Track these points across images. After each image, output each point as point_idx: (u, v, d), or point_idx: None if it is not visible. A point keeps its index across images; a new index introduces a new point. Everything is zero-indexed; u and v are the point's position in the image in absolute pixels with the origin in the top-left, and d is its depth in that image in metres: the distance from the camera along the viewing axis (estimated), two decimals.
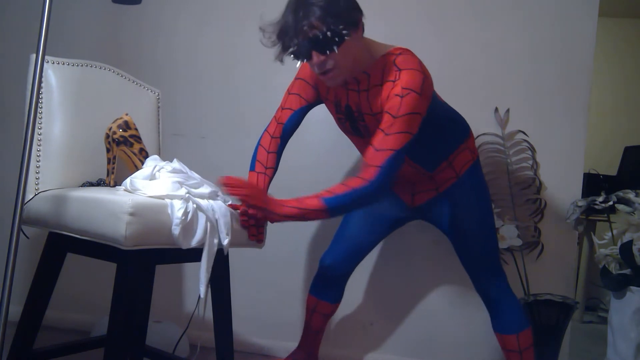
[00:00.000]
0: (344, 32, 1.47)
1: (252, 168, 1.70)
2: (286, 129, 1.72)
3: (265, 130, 1.74)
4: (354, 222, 1.90)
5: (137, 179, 1.40)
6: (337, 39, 1.46)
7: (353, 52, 1.53)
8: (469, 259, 1.80)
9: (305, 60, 1.52)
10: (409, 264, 2.22)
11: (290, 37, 1.48)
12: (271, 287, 2.28)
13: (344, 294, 2.09)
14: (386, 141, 1.48)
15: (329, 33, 1.45)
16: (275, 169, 1.71)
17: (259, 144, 1.73)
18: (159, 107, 1.87)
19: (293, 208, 1.46)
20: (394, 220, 1.90)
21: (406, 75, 1.52)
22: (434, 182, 1.77)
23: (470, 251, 1.78)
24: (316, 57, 1.48)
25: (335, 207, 1.45)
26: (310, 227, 2.25)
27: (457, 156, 1.76)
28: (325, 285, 1.95)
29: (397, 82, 1.52)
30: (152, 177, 1.42)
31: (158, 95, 1.87)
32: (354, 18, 1.52)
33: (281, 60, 1.54)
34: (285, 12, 1.51)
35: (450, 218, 1.77)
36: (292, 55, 1.53)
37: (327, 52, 1.47)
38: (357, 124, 1.67)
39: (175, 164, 1.49)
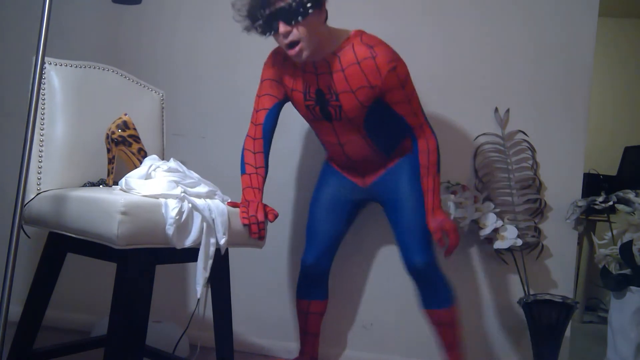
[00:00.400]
0: (309, 5, 1.57)
1: (243, 172, 1.74)
2: (265, 128, 1.78)
3: (247, 135, 1.81)
4: (320, 216, 1.97)
5: (132, 178, 1.40)
6: (301, 10, 1.56)
7: (317, 31, 1.63)
8: (405, 232, 1.86)
9: (271, 33, 1.61)
10: None
11: (258, 9, 1.57)
12: (271, 287, 2.28)
13: (345, 294, 2.09)
14: (412, 105, 1.75)
15: (294, 4, 1.55)
16: (266, 168, 1.76)
17: (243, 148, 1.78)
18: (163, 108, 1.87)
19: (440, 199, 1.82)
20: (352, 203, 1.99)
21: (380, 50, 1.69)
22: (382, 162, 1.92)
23: (408, 224, 1.86)
24: (282, 27, 1.57)
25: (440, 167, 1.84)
26: None
27: (404, 142, 1.91)
28: (312, 285, 2.00)
29: (378, 58, 1.68)
30: (147, 176, 1.42)
31: (162, 95, 1.88)
32: None
33: (248, 31, 1.64)
34: None
35: (393, 192, 1.90)
36: (259, 29, 1.61)
37: (293, 22, 1.57)
38: (327, 107, 1.76)
39: (172, 163, 1.49)
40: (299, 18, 1.56)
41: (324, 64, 1.72)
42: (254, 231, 1.54)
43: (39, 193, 1.49)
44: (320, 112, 1.78)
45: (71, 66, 1.62)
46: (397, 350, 2.21)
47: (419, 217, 1.84)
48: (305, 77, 1.75)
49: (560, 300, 1.97)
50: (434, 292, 1.86)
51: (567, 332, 2.08)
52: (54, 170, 1.54)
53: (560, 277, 2.15)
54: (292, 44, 1.60)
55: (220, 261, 1.50)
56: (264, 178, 1.74)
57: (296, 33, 1.58)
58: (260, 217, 1.55)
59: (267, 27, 1.59)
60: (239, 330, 2.24)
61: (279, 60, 1.78)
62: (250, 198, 1.65)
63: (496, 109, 2.18)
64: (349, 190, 1.97)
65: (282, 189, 2.24)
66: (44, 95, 1.55)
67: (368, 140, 1.83)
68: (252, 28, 1.63)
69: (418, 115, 1.77)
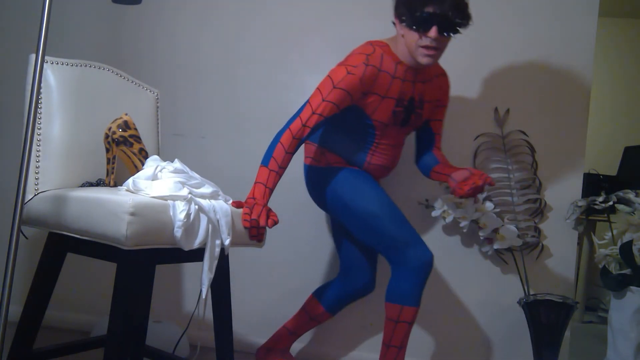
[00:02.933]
0: (464, 26, 1.70)
1: (265, 163, 1.65)
2: (310, 132, 1.70)
3: (288, 128, 1.68)
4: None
5: (140, 179, 1.40)
6: (458, 28, 1.69)
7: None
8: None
9: (416, 29, 1.67)
10: None
11: (422, 4, 1.66)
12: (271, 287, 2.28)
13: None
14: (442, 123, 1.99)
15: (457, 19, 1.67)
16: (285, 169, 1.69)
17: (278, 140, 1.67)
18: (157, 107, 1.87)
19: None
20: None
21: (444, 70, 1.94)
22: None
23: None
24: (435, 32, 1.67)
25: None
26: (309, 227, 2.25)
27: None
28: None
29: (446, 76, 1.94)
30: (154, 177, 1.42)
31: (157, 95, 1.87)
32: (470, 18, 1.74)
33: (397, 17, 1.73)
34: None
35: None
36: (409, 21, 1.68)
37: (445, 33, 1.68)
38: (411, 114, 1.85)
39: (177, 164, 1.49)
40: (452, 33, 1.68)
41: (421, 72, 1.82)
42: (253, 234, 1.54)
43: (37, 193, 1.49)
44: (403, 119, 1.83)
45: (67, 64, 1.62)
46: None
47: None
48: (403, 85, 1.78)
49: (560, 300, 1.97)
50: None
51: (567, 332, 2.08)
52: (51, 170, 1.53)
53: (560, 277, 2.15)
54: (431, 49, 1.69)
55: (221, 261, 1.50)
56: (280, 178, 1.68)
57: (442, 43, 1.71)
58: (262, 222, 1.53)
59: (419, 23, 1.67)
60: (239, 330, 2.24)
61: (373, 71, 1.72)
62: (259, 197, 1.61)
63: (496, 109, 2.18)
64: None
65: (285, 188, 2.24)
66: (40, 94, 1.54)
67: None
68: (402, 15, 1.70)
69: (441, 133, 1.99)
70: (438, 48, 1.70)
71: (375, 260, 2.00)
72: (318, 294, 2.02)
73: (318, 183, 1.89)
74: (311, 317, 2.02)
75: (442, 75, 1.92)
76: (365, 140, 1.85)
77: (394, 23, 1.77)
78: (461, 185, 1.73)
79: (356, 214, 1.78)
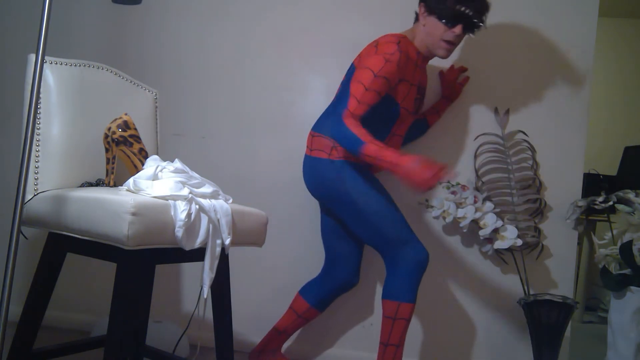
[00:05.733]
0: (480, 28, 1.84)
1: (362, 142, 1.68)
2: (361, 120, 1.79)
3: (349, 116, 1.73)
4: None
5: (141, 179, 1.40)
6: (476, 29, 1.83)
7: None
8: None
9: (446, 24, 1.77)
10: None
11: (465, 2, 1.77)
12: (271, 287, 2.28)
13: (345, 294, 2.09)
14: None
15: (480, 23, 1.81)
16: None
17: (345, 126, 1.71)
18: (156, 107, 1.87)
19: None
20: None
21: None
22: None
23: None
24: (460, 30, 1.79)
25: None
26: (309, 227, 2.25)
27: None
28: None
29: None
30: (154, 177, 1.42)
31: (156, 95, 1.87)
32: None
33: (430, 11, 1.81)
34: None
35: None
36: (442, 13, 1.77)
37: (466, 32, 1.82)
38: (421, 101, 1.98)
39: (177, 163, 1.49)
40: (471, 33, 1.82)
41: (426, 60, 1.93)
42: (438, 175, 1.59)
43: (37, 193, 1.49)
44: (418, 106, 1.96)
45: (66, 64, 1.62)
46: None
47: None
48: (420, 74, 1.91)
49: (560, 300, 1.97)
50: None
51: (567, 332, 2.08)
52: (51, 170, 1.53)
53: (560, 277, 2.15)
54: (451, 44, 1.81)
55: (221, 261, 1.50)
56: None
57: (460, 39, 1.83)
58: (438, 164, 1.61)
59: (449, 18, 1.77)
60: (239, 330, 2.24)
61: (404, 59, 1.80)
62: (406, 155, 1.64)
63: (496, 109, 2.18)
64: None
65: (285, 188, 2.24)
66: (40, 93, 1.53)
67: None
68: (433, 6, 1.79)
69: None
70: (456, 44, 1.83)
71: (359, 256, 2.03)
72: (303, 290, 2.05)
73: (325, 175, 1.88)
74: (298, 314, 2.03)
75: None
76: (382, 131, 1.90)
77: (416, 13, 1.87)
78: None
79: (361, 211, 1.83)
